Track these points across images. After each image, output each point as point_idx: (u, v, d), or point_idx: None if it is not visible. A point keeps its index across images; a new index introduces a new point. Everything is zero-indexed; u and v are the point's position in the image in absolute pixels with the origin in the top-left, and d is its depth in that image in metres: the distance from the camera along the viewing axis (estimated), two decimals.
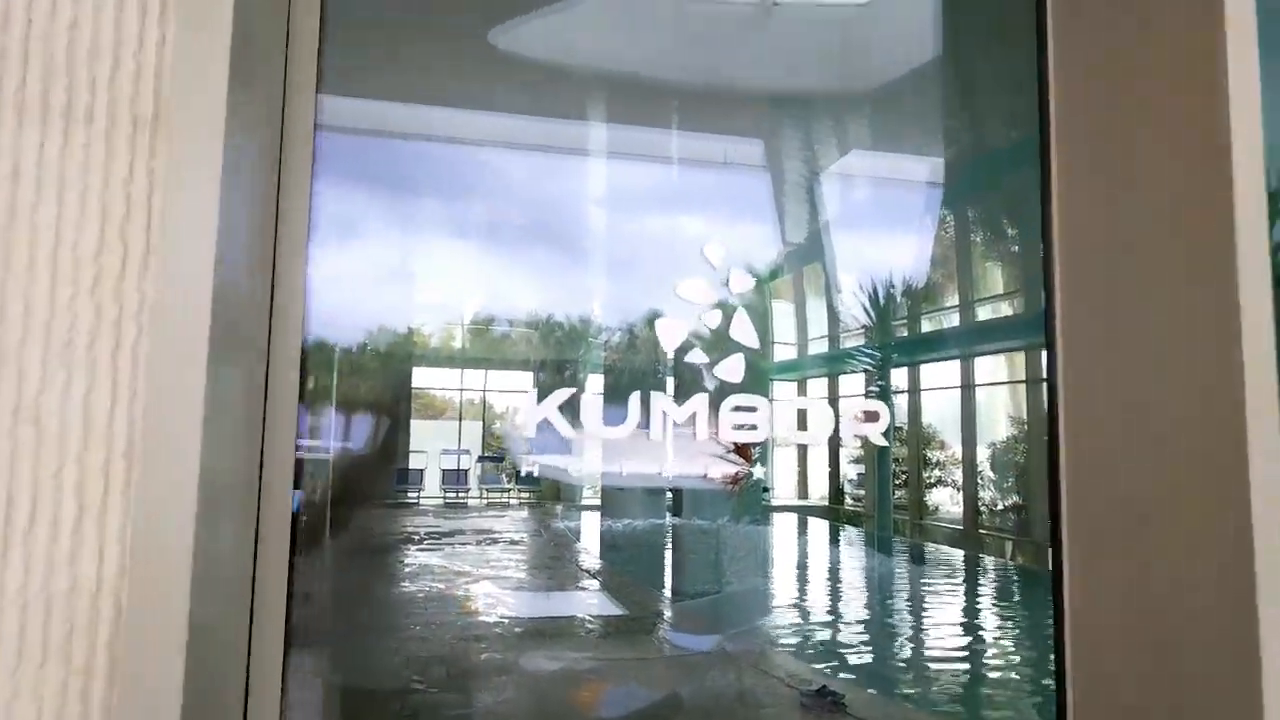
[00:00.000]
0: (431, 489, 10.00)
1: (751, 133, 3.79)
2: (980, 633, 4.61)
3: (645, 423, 1.80)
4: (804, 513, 9.94)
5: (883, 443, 1.88)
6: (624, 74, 3.28)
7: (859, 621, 5.00)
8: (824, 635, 4.47)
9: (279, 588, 1.01)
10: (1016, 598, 6.07)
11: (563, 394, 1.82)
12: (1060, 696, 1.27)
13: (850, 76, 3.38)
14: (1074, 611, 1.26)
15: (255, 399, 1.03)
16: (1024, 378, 7.04)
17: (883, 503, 8.44)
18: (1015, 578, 6.61)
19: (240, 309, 0.98)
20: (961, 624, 4.86)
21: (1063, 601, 1.28)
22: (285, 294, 1.07)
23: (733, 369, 1.95)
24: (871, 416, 1.94)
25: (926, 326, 8.04)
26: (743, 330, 1.98)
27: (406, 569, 5.42)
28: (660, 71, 3.27)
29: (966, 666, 3.97)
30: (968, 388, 8.16)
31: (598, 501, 8.72)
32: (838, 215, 6.17)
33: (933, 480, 8.76)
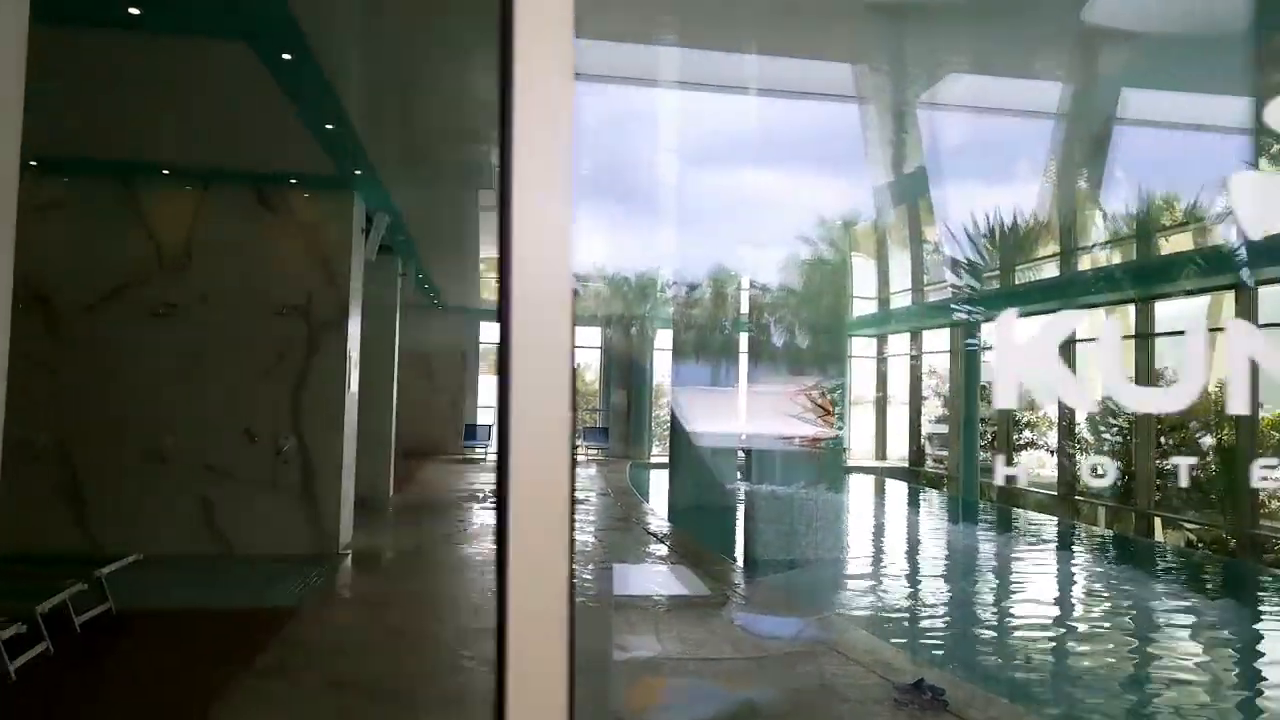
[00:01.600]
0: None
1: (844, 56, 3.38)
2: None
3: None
4: (883, 474, 9.52)
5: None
6: None
7: (958, 599, 4.55)
8: (918, 616, 4.05)
9: None
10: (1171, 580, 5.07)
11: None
12: None
13: None
14: None
15: None
16: (1134, 332, 6.45)
17: (969, 465, 7.96)
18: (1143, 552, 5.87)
19: None
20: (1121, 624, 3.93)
21: None
22: None
23: None
24: None
25: (1022, 278, 7.46)
26: None
27: (469, 529, 5.29)
28: None
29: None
30: (1068, 343, 7.57)
31: (666, 460, 8.42)
32: (933, 152, 5.63)
33: (1023, 442, 8.24)
